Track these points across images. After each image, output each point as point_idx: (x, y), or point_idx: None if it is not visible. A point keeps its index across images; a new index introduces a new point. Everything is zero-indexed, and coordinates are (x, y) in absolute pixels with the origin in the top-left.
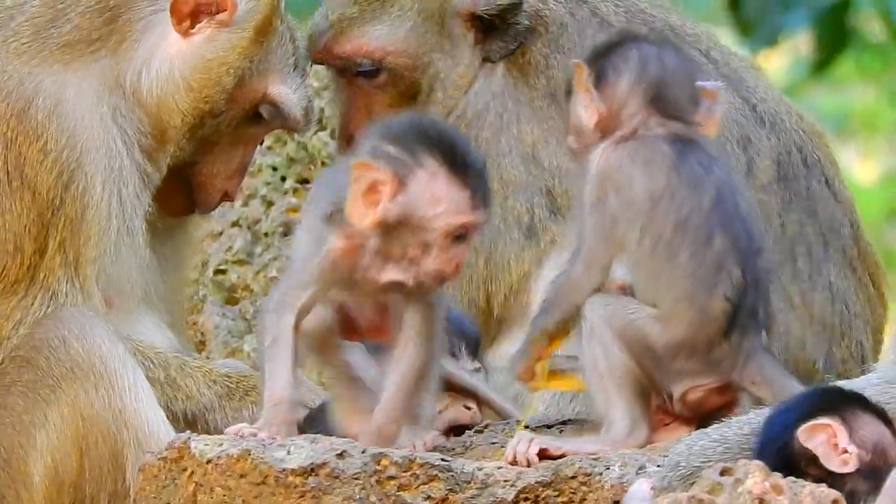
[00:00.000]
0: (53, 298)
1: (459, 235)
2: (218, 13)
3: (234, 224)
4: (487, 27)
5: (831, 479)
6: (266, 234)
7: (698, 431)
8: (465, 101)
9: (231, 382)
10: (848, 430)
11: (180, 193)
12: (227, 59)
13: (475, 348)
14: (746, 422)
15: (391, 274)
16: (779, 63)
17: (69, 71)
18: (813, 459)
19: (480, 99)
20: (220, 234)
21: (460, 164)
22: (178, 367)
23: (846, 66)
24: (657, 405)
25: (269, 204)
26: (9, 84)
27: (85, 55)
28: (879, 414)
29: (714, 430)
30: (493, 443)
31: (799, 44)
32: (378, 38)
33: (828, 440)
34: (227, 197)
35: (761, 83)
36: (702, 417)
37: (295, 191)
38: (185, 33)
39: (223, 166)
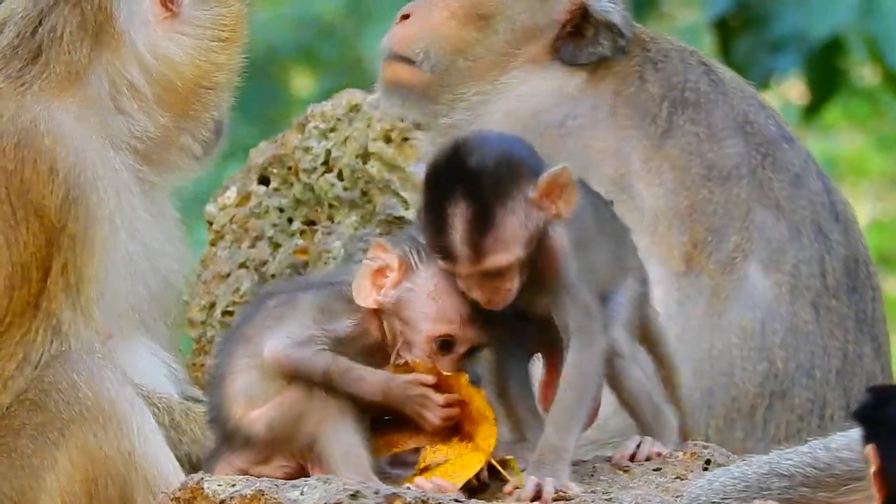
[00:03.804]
0: (56, 330)
1: (445, 344)
2: None
3: (242, 265)
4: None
5: None
6: (273, 276)
7: (720, 468)
8: None
9: None
10: None
11: None
12: None
13: None
14: (766, 461)
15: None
16: None
17: (61, 98)
18: None
19: None
20: (228, 275)
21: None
22: (183, 412)
23: (834, 111)
24: None
25: (276, 246)
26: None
27: (75, 83)
28: None
29: (735, 468)
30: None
31: (786, 89)
32: None
33: None
34: None
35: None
36: None
37: (302, 233)
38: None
39: None
